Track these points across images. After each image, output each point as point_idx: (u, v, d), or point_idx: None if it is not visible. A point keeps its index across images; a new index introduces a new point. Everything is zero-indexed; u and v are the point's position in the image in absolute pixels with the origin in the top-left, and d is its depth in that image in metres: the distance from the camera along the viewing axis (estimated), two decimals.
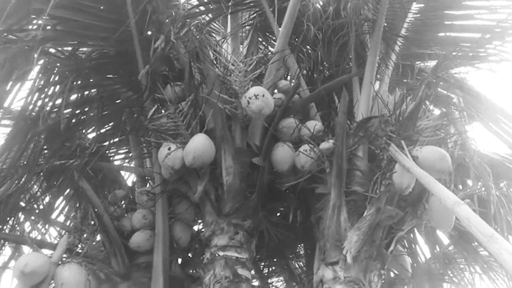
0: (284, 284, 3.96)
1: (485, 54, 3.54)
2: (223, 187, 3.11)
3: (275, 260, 3.94)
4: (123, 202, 3.59)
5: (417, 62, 4.07)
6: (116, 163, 4.24)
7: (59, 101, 3.34)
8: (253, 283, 3.47)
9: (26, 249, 3.26)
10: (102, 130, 3.94)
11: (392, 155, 2.76)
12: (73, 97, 3.50)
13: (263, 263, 3.95)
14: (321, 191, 3.08)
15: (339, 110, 3.03)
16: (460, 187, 4.12)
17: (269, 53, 3.59)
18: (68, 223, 3.62)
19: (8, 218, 3.32)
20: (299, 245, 4.00)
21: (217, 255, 2.81)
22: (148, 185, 3.72)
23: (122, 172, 4.11)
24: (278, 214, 3.89)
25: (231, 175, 3.11)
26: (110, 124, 3.96)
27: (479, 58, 3.60)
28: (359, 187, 2.98)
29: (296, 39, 3.93)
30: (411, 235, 4.06)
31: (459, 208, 1.90)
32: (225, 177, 3.11)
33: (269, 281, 3.97)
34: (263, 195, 3.23)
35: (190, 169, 3.07)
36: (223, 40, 4.15)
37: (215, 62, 3.24)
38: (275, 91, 3.50)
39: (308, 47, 4.05)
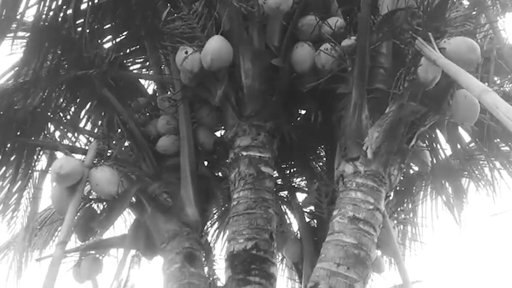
0: (306, 182, 4.13)
1: None
2: (243, 90, 3.10)
3: (296, 161, 4.06)
4: (146, 109, 3.65)
5: None
6: (135, 72, 4.23)
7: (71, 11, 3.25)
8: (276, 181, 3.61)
9: (59, 155, 3.44)
10: (118, 39, 3.89)
11: (418, 48, 2.64)
12: (84, 6, 3.39)
13: (284, 165, 4.09)
14: (343, 90, 3.04)
15: (362, 3, 2.85)
16: (486, 84, 3.99)
17: None
18: (95, 131, 3.75)
19: (39, 128, 3.45)
20: (320, 147, 4.08)
21: (240, 154, 2.91)
22: (168, 92, 3.74)
23: (142, 81, 4.14)
24: (299, 117, 3.92)
25: (250, 77, 3.08)
26: (125, 32, 3.90)
27: None
28: (382, 84, 2.92)
29: None
30: (433, 135, 4.07)
31: (487, 95, 1.85)
32: (245, 80, 3.09)
33: (291, 180, 4.14)
34: (284, 97, 3.22)
35: (209, 73, 3.05)
36: None
37: None
38: None
39: None
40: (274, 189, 3.10)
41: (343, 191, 2.69)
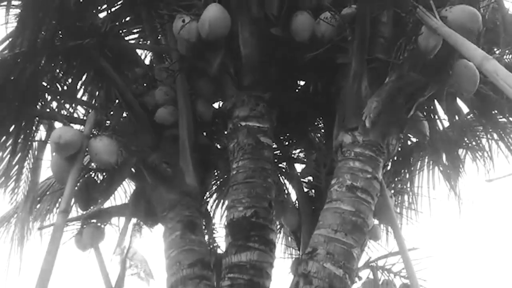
0: (304, 153, 4.15)
1: None
2: (241, 60, 3.08)
3: (295, 132, 4.07)
4: (143, 80, 3.62)
5: None
6: (131, 42, 4.17)
7: None
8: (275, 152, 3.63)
9: (58, 126, 3.42)
10: (113, 9, 3.82)
11: (419, 17, 2.61)
12: None
13: (283, 136, 4.10)
14: (342, 61, 3.02)
15: None
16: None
17: None
18: (93, 102, 3.73)
19: (36, 99, 3.43)
20: (318, 118, 4.08)
21: (239, 125, 2.91)
22: (165, 62, 3.70)
23: (139, 51, 4.08)
24: (298, 88, 3.90)
25: (249, 47, 3.05)
26: (120, 1, 3.82)
27: None
28: (382, 54, 2.90)
29: None
30: (431, 106, 4.07)
31: (488, 63, 1.85)
32: (243, 50, 3.06)
33: (290, 151, 4.16)
34: (283, 67, 3.20)
35: (206, 43, 3.01)
36: None
37: None
38: None
39: None
40: (273, 160, 3.13)
41: (341, 160, 2.71)
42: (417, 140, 4.01)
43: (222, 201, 4.34)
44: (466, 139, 4.25)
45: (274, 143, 3.28)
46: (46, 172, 4.00)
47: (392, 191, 3.81)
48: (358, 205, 2.50)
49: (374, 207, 2.59)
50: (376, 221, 3.70)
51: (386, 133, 2.72)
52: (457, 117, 4.13)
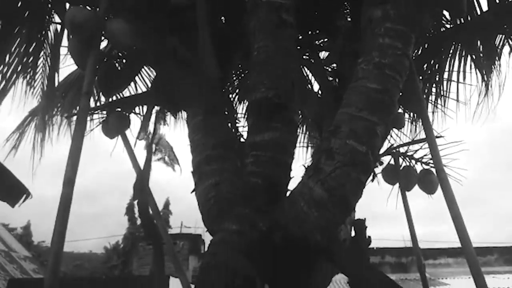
0: (328, 40, 3.95)
1: None
2: None
3: (319, 19, 3.82)
4: None
5: None
6: None
7: None
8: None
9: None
10: None
11: None
12: None
13: (307, 23, 3.86)
14: None
15: None
16: None
17: None
18: None
19: None
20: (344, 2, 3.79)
21: (260, 1, 2.71)
22: None
23: None
24: None
25: None
26: None
27: None
28: None
29: None
30: None
31: None
32: None
33: (314, 39, 3.96)
34: None
35: None
36: None
37: None
38: None
39: None
40: (296, 39, 2.95)
41: (370, 38, 2.55)
42: (451, 25, 3.73)
43: (243, 85, 4.26)
44: (506, 26, 3.93)
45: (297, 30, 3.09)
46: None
47: (421, 78, 3.65)
48: (385, 83, 2.39)
49: (401, 85, 2.48)
50: (400, 110, 3.62)
51: (420, 6, 2.50)
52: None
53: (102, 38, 2.82)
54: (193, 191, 2.72)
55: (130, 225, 22.19)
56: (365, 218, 3.31)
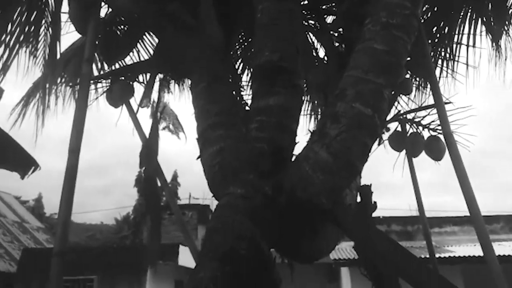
0: (335, 4, 3.83)
1: None
2: None
3: None
4: None
5: None
6: None
7: None
8: None
9: None
10: None
11: None
12: None
13: None
14: None
15: None
16: None
17: None
18: None
19: None
20: None
21: None
22: None
23: None
24: None
25: None
26: None
27: None
28: None
29: None
30: None
31: None
32: None
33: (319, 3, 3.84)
34: None
35: None
36: None
37: None
38: None
39: None
40: (301, 7, 2.87)
41: None
42: None
43: (247, 52, 4.20)
44: None
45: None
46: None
47: (430, 41, 3.55)
48: (393, 44, 2.32)
49: (410, 47, 2.41)
50: (407, 76, 3.55)
51: None
52: None
53: (102, 3, 2.76)
54: (198, 158, 2.72)
55: (140, 196, 22.56)
56: (371, 184, 3.30)
